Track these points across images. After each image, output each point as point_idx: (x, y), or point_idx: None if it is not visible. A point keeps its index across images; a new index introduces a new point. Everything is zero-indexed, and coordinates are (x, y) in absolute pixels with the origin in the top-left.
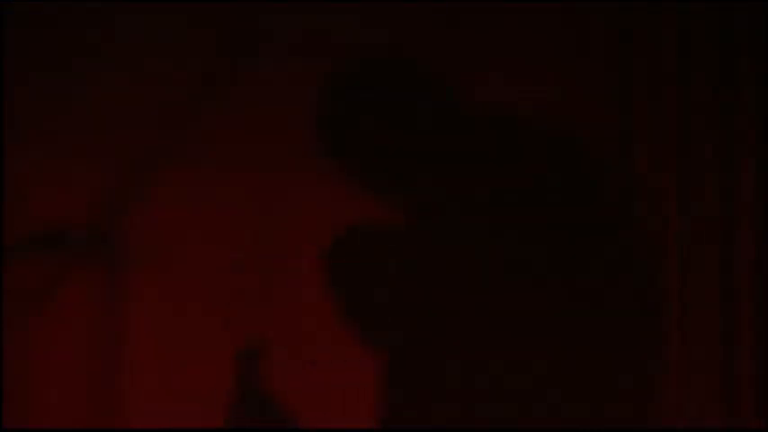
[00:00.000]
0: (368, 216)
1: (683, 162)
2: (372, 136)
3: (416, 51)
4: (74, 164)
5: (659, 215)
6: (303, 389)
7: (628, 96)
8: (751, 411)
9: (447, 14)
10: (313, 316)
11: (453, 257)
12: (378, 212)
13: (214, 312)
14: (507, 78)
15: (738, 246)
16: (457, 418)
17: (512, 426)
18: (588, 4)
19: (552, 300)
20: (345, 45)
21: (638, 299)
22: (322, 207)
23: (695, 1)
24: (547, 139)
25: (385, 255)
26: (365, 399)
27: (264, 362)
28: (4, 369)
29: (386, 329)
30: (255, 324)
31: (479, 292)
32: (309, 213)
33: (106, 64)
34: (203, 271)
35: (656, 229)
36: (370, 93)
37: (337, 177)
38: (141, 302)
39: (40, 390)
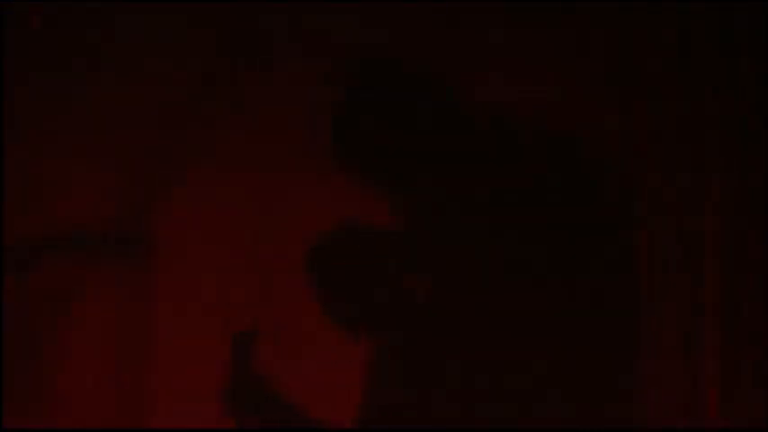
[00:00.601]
0: (368, 216)
1: (682, 162)
2: (372, 136)
3: (416, 51)
4: (74, 164)
5: (658, 215)
6: (303, 388)
7: (628, 96)
8: (716, 412)
9: (447, 14)
10: (313, 316)
11: (453, 257)
12: (378, 212)
13: (214, 312)
14: (507, 78)
15: (744, 248)
16: (457, 417)
17: (512, 426)
18: (588, 4)
19: (551, 299)
20: (345, 45)
21: (638, 298)
22: (322, 207)
23: (695, 1)
24: (547, 139)
25: (385, 254)
26: (366, 398)
27: (257, 348)
28: (21, 369)
29: (386, 329)
30: (255, 324)
31: (479, 292)
32: (310, 213)
33: (106, 64)
34: (204, 271)
35: (655, 230)
36: (370, 93)
37: (337, 177)
38: (146, 302)
39: (57, 389)
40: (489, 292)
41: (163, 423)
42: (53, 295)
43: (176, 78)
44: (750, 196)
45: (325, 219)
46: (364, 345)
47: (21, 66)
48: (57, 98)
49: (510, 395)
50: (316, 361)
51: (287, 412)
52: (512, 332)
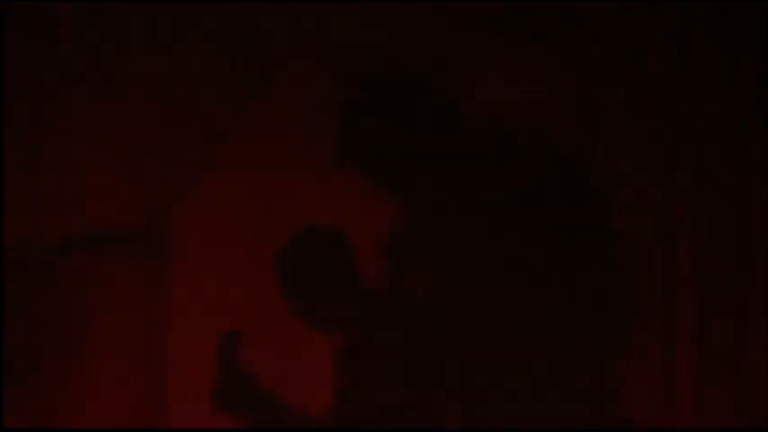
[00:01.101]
0: (368, 216)
1: (681, 162)
2: (372, 136)
3: (416, 51)
4: (74, 164)
5: (655, 215)
6: (303, 388)
7: (627, 96)
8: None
9: (447, 14)
10: None
11: (453, 257)
12: (378, 212)
13: (213, 311)
14: (507, 78)
15: (747, 251)
16: (456, 417)
17: (511, 425)
18: (589, 4)
19: (551, 300)
20: (345, 45)
21: (630, 299)
22: (322, 207)
23: (695, 1)
24: (546, 140)
25: (385, 254)
26: (365, 398)
27: (243, 347)
28: (23, 368)
29: (385, 329)
30: (256, 323)
31: (479, 292)
32: (310, 213)
33: (106, 64)
34: (204, 270)
35: (654, 229)
36: (371, 93)
37: (337, 177)
38: (145, 302)
39: (58, 389)
40: (489, 292)
41: (167, 423)
42: (53, 295)
43: (176, 78)
44: (750, 196)
45: (325, 219)
46: (363, 345)
47: (21, 66)
48: (57, 98)
49: (509, 395)
50: (315, 360)
51: (280, 412)
52: (511, 332)
